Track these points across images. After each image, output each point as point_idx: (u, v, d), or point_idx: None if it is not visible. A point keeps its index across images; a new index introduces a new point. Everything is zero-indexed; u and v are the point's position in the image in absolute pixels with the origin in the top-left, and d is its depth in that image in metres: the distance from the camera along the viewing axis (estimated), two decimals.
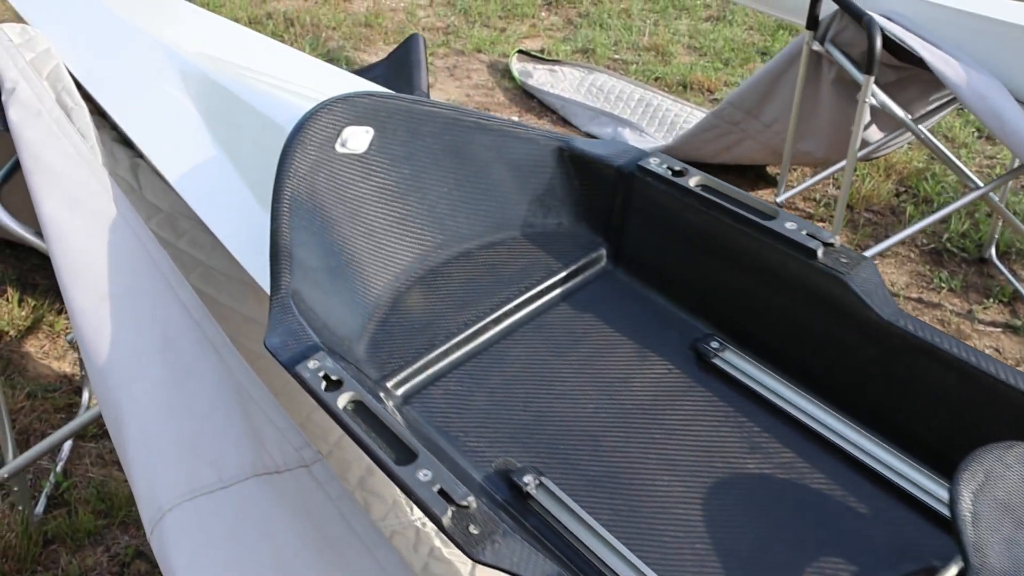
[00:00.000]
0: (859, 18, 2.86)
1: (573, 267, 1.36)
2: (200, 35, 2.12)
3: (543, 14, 5.67)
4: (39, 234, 1.81)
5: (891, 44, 2.84)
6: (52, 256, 1.56)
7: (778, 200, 3.48)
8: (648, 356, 1.22)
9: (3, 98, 1.86)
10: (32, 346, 2.76)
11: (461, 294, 1.30)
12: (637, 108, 4.36)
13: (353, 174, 1.37)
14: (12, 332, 2.77)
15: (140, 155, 1.90)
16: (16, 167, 1.98)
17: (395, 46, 4.82)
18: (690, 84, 4.70)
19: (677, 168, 1.32)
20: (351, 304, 1.25)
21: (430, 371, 1.21)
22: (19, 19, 2.28)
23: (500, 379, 1.19)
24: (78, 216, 1.63)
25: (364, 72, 2.45)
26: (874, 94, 2.85)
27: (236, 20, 5.28)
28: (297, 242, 1.25)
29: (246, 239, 1.50)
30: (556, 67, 4.78)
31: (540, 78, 4.66)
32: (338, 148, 1.37)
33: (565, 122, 4.32)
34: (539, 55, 4.96)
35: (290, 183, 1.31)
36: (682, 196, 1.28)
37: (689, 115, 4.27)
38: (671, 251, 1.31)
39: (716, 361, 1.22)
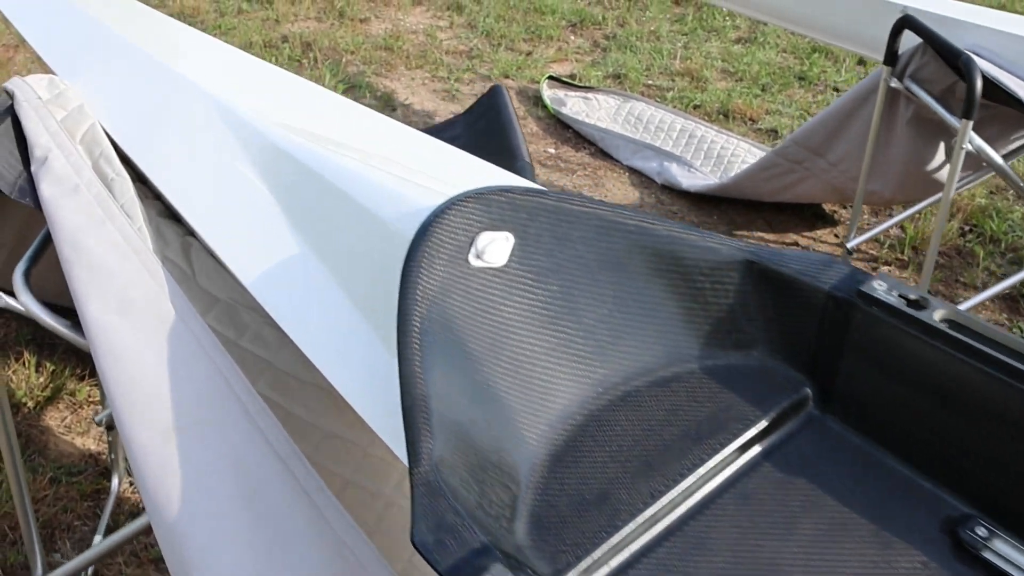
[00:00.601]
0: (954, 57, 2.59)
1: (773, 414, 1.07)
2: (247, 83, 1.83)
3: (569, 36, 5.39)
4: (77, 327, 1.52)
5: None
6: (100, 367, 1.28)
7: (848, 246, 3.20)
8: (892, 543, 0.94)
9: (33, 168, 1.56)
10: (52, 419, 2.46)
11: (637, 452, 1.01)
12: (680, 139, 4.08)
13: (492, 294, 1.08)
14: (30, 403, 2.47)
15: (191, 232, 1.60)
16: (46, 244, 1.69)
17: (416, 71, 4.54)
18: (731, 112, 4.42)
19: (912, 297, 1.03)
20: (503, 469, 0.96)
21: (614, 563, 0.92)
22: (45, 68, 1.99)
23: (706, 573, 0.90)
24: (129, 322, 1.34)
25: (438, 131, 2.14)
26: (970, 139, 2.57)
27: (250, 44, 4.98)
28: (434, 390, 0.97)
29: (338, 352, 1.21)
30: (590, 94, 4.50)
31: (574, 106, 4.37)
32: (472, 261, 1.08)
33: (604, 155, 4.04)
34: (570, 81, 4.67)
35: (418, 310, 1.02)
36: (922, 334, 0.99)
37: (736, 147, 3.99)
38: (904, 401, 1.02)
39: (986, 555, 0.93)
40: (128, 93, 1.81)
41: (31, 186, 1.56)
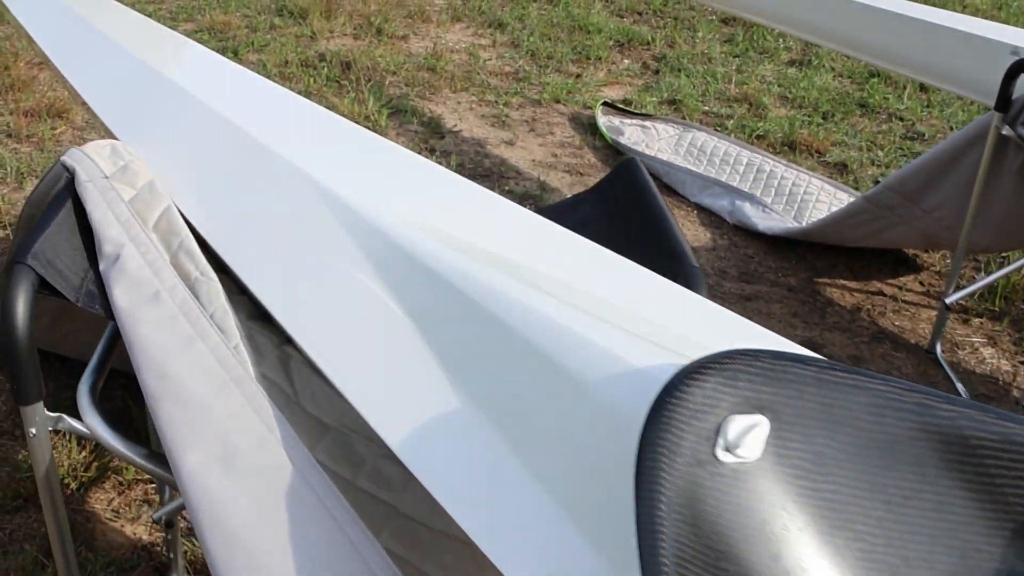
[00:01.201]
0: None
1: None
2: (332, 149, 1.56)
3: (617, 57, 5.11)
4: (155, 456, 1.26)
5: None
6: (196, 523, 1.03)
7: (948, 301, 2.93)
8: None
9: (102, 267, 1.29)
10: (99, 502, 2.19)
11: None
12: (747, 174, 3.80)
13: (745, 498, 0.81)
14: (73, 485, 2.19)
15: (288, 338, 1.33)
16: (111, 350, 1.42)
17: (462, 93, 4.26)
18: (796, 144, 4.14)
19: None
20: None
21: None
22: (99, 130, 1.71)
23: None
24: (233, 475, 1.08)
25: (560, 212, 1.86)
26: None
27: (286, 62, 4.71)
28: None
29: (502, 523, 0.94)
30: (648, 123, 4.23)
31: (632, 136, 4.10)
32: (720, 454, 0.81)
33: (670, 190, 3.77)
34: (626, 108, 4.40)
35: (663, 526, 0.75)
36: None
37: (808, 184, 3.71)
38: None
39: None
40: (202, 162, 1.54)
41: (100, 289, 1.28)
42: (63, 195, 1.36)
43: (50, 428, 1.30)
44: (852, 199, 3.67)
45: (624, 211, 1.70)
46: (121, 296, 1.23)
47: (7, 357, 1.21)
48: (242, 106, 1.74)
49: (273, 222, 1.37)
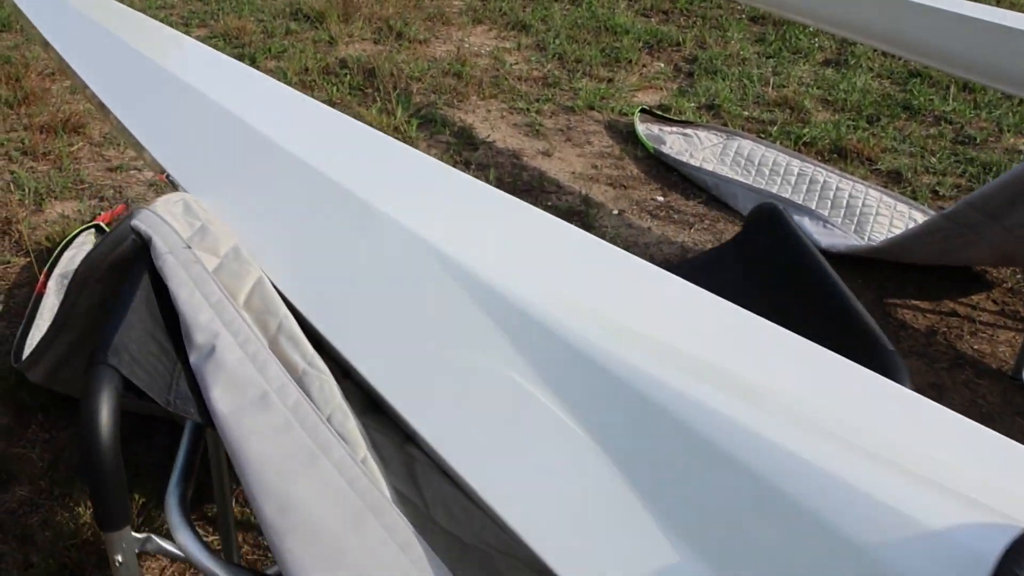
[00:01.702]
0: None
1: None
2: (436, 202, 1.35)
3: (646, 58, 4.89)
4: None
5: None
6: None
7: None
8: None
9: (193, 361, 1.08)
10: (151, 572, 1.98)
11: None
12: (800, 185, 3.60)
13: None
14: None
15: (412, 438, 1.12)
16: (196, 448, 1.21)
17: (491, 100, 4.04)
18: (846, 151, 3.93)
19: None
20: None
21: None
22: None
23: None
24: None
25: (697, 270, 1.63)
26: None
27: (306, 69, 4.48)
28: None
29: None
30: (689, 130, 4.02)
31: (674, 145, 3.89)
32: None
33: (719, 203, 3.56)
34: (665, 115, 4.19)
35: None
36: None
37: (865, 196, 3.51)
38: None
39: None
40: (284, 215, 1.33)
41: (193, 388, 1.07)
42: (139, 270, 1.15)
43: (137, 551, 1.09)
44: (913, 211, 3.47)
45: (776, 271, 1.48)
46: (221, 399, 1.02)
47: (91, 477, 1.00)
48: (305, 137, 1.54)
49: (383, 292, 1.16)
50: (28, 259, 3.09)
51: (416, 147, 3.94)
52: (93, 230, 3.12)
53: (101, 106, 1.84)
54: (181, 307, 1.11)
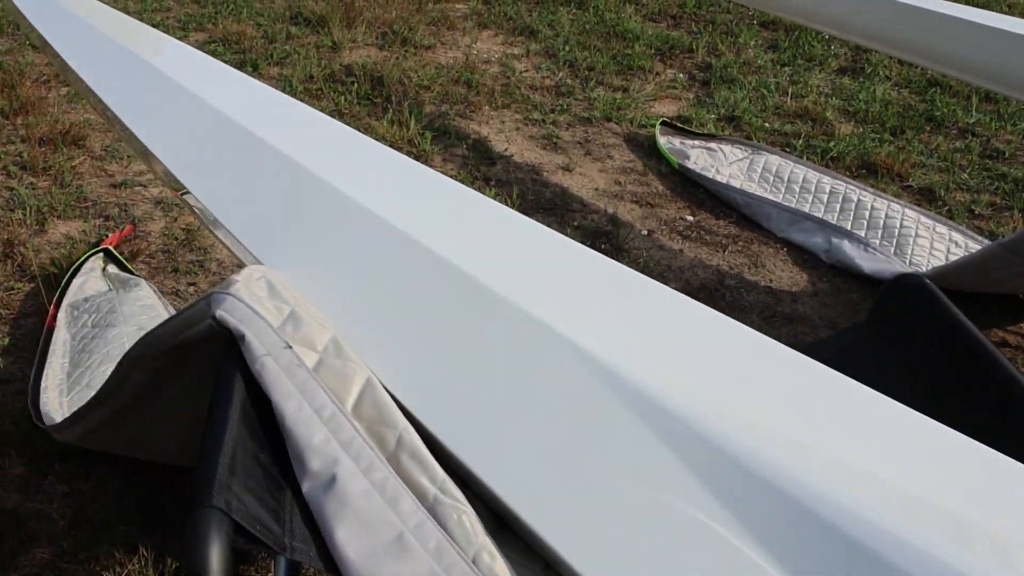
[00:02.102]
0: None
1: None
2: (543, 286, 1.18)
3: (659, 66, 4.73)
4: None
5: None
6: None
7: None
8: None
9: (307, 490, 0.92)
10: None
11: None
12: (832, 203, 3.46)
13: None
14: None
15: (549, 565, 0.96)
16: None
17: (504, 111, 3.86)
18: (875, 167, 3.79)
19: None
20: None
21: None
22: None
23: None
24: None
25: (838, 355, 1.46)
26: None
27: (310, 76, 4.29)
28: None
29: None
30: (712, 144, 3.86)
31: (698, 160, 3.73)
32: None
33: (748, 221, 3.40)
34: (686, 128, 4.03)
35: None
36: None
37: (902, 216, 3.37)
38: None
39: None
40: (389, 300, 1.15)
41: (310, 525, 0.90)
42: (232, 378, 0.97)
43: None
44: (952, 232, 3.34)
45: (928, 351, 1.32)
46: (348, 542, 0.85)
47: None
48: (368, 181, 1.37)
49: (523, 397, 0.99)
50: (33, 284, 2.89)
51: (431, 162, 3.77)
52: (101, 255, 2.93)
53: (124, 130, 1.67)
54: (289, 425, 0.94)
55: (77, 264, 2.84)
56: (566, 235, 1.22)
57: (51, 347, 2.43)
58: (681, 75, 4.67)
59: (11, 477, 2.18)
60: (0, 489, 2.15)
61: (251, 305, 1.03)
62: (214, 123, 1.62)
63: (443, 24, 5.17)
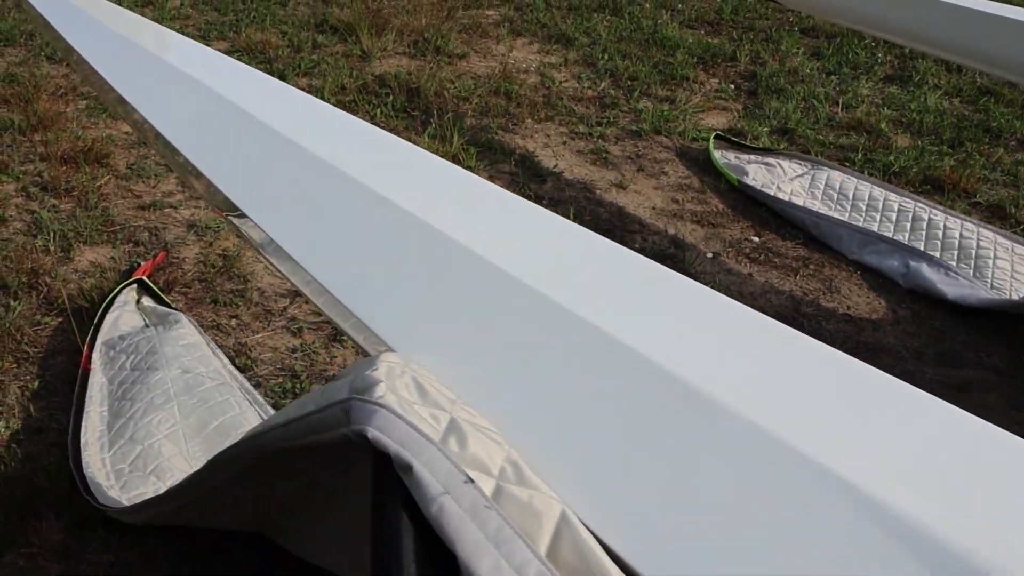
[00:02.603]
0: None
1: None
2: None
3: (701, 75, 4.49)
4: None
5: None
6: None
7: None
8: None
9: None
10: None
11: None
12: (903, 223, 3.23)
13: None
14: None
15: None
16: None
17: (548, 123, 3.63)
18: (941, 183, 3.56)
19: None
20: None
21: None
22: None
23: None
24: None
25: None
26: None
27: (342, 88, 4.05)
28: None
29: None
30: (770, 159, 3.63)
31: (757, 176, 3.50)
32: None
33: (816, 242, 3.17)
34: (741, 142, 3.79)
35: None
36: None
37: (978, 236, 3.15)
38: None
39: None
40: (570, 399, 0.92)
41: None
42: (397, 521, 0.74)
43: None
44: None
45: None
46: None
47: None
48: (491, 229, 1.14)
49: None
50: (62, 319, 2.65)
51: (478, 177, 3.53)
52: (135, 286, 2.68)
53: (170, 151, 1.44)
54: None
55: (110, 299, 2.60)
56: None
57: (88, 393, 2.20)
58: (726, 85, 4.43)
59: (50, 544, 1.94)
60: (39, 559, 1.91)
61: (412, 423, 0.79)
62: (277, 144, 1.39)
63: (475, 32, 4.93)
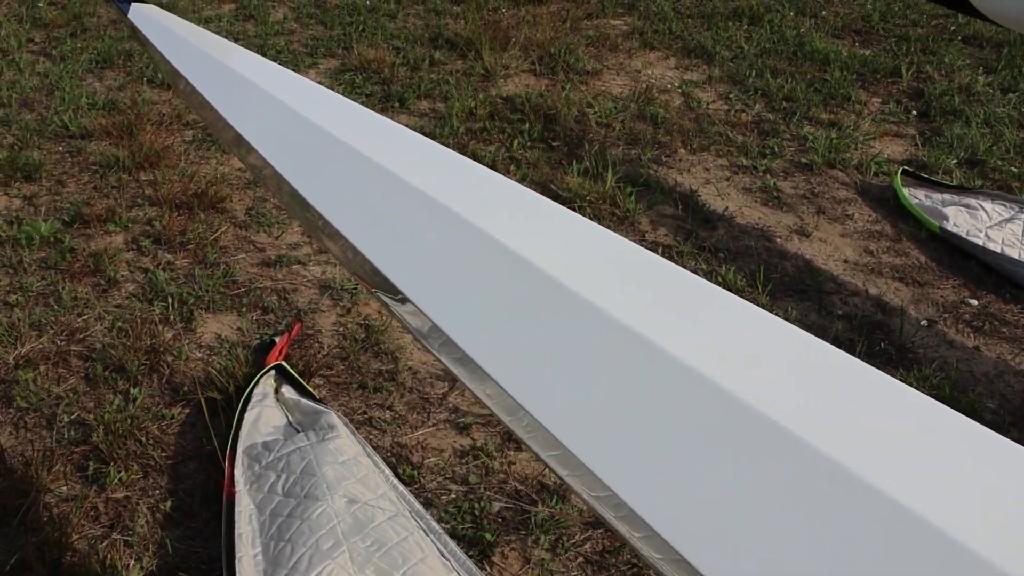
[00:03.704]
0: None
1: None
2: None
3: (861, 93, 3.96)
4: None
5: None
6: None
7: None
8: None
9: None
10: None
11: None
12: None
13: None
14: None
15: None
16: None
17: (703, 154, 3.16)
18: None
19: None
20: None
21: None
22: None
23: None
24: None
25: None
26: None
27: (471, 112, 3.59)
28: None
29: None
30: (969, 199, 3.11)
31: (958, 220, 2.99)
32: None
33: None
34: (931, 178, 3.27)
35: None
36: None
37: None
38: None
39: None
40: None
41: None
42: None
43: None
44: None
45: None
46: None
47: None
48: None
49: None
50: (189, 410, 2.23)
51: (638, 224, 3.05)
52: (272, 373, 2.25)
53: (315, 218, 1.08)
54: None
55: (247, 394, 2.17)
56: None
57: (236, 530, 1.77)
58: (895, 106, 3.89)
59: None
60: None
61: None
62: (430, 212, 1.07)
63: (603, 45, 4.45)
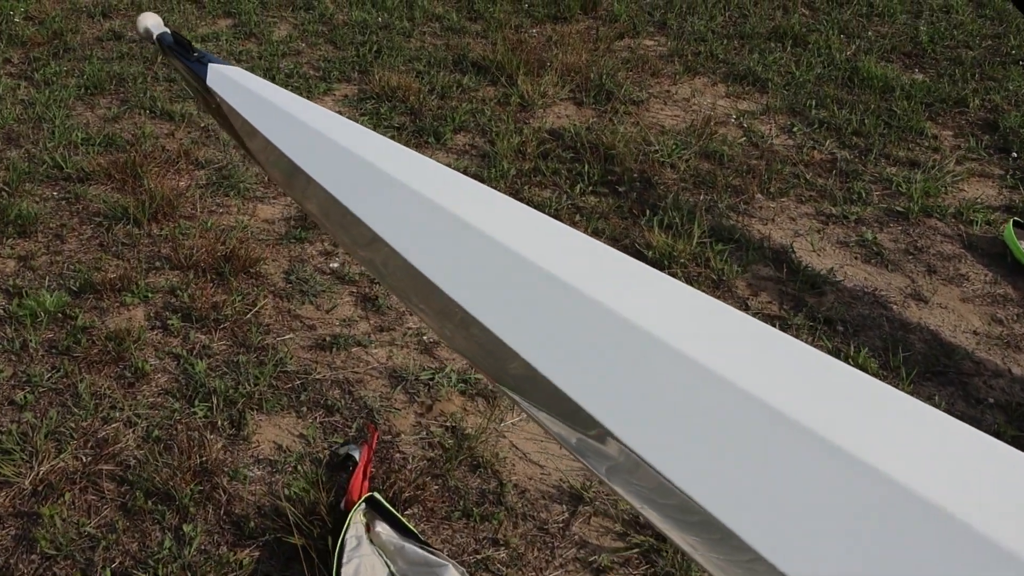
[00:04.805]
0: None
1: None
2: None
3: (930, 126, 3.59)
4: None
5: None
6: None
7: None
8: None
9: None
10: None
11: None
12: None
13: None
14: None
15: None
16: None
17: (784, 200, 2.77)
18: None
19: None
20: None
21: None
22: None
23: None
24: None
25: None
26: None
27: (519, 151, 3.15)
28: None
29: None
30: None
31: None
32: None
33: None
34: None
35: None
36: None
37: None
38: None
39: None
40: None
41: None
42: None
43: None
44: None
45: None
46: None
47: None
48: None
49: None
50: (259, 551, 1.77)
51: (734, 288, 2.64)
52: (363, 507, 1.80)
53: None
54: None
55: (340, 542, 1.71)
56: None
57: None
58: (972, 140, 3.53)
59: None
60: None
61: None
62: (585, 309, 0.79)
63: (643, 70, 4.02)
